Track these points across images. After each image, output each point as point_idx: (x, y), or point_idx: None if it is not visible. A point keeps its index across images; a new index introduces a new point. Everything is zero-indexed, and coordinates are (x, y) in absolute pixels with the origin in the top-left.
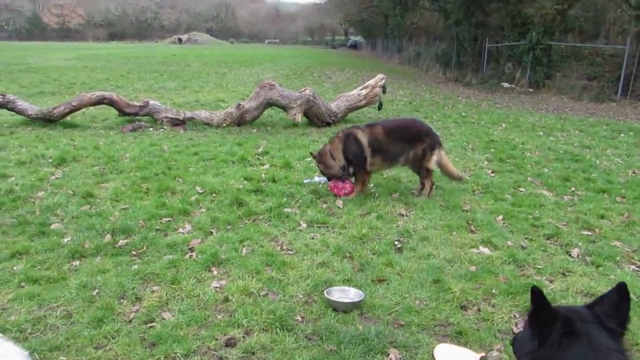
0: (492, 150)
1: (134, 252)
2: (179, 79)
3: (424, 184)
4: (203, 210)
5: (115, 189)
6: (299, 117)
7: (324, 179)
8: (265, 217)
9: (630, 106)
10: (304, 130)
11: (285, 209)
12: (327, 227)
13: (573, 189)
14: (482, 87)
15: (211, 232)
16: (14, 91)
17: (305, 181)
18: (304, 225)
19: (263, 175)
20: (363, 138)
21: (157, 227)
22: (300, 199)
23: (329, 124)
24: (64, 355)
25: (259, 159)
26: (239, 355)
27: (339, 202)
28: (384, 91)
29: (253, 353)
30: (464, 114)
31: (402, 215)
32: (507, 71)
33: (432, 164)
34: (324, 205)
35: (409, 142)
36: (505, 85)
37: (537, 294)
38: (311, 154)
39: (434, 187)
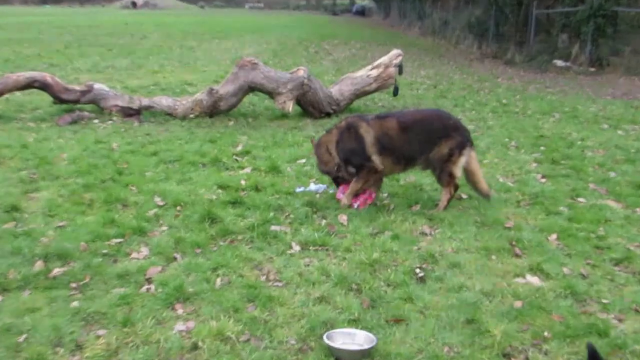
0: (542, 148)
1: (73, 285)
2: (133, 56)
3: (450, 192)
4: (164, 228)
5: (49, 201)
6: (290, 106)
7: (322, 186)
8: (245, 238)
9: None
10: (296, 123)
11: (272, 227)
12: (327, 250)
13: None
14: (528, 66)
15: (175, 258)
16: None
17: (298, 190)
18: (297, 247)
19: (243, 182)
20: (367, 133)
21: (104, 251)
22: (291, 213)
23: (328, 115)
24: None
25: (237, 160)
26: None
27: (343, 218)
28: (401, 72)
29: None
30: (505, 101)
31: (425, 234)
32: (561, 45)
33: (459, 169)
34: (323, 222)
35: (432, 139)
36: (559, 63)
37: (591, 353)
38: (311, 141)
39: (451, 198)
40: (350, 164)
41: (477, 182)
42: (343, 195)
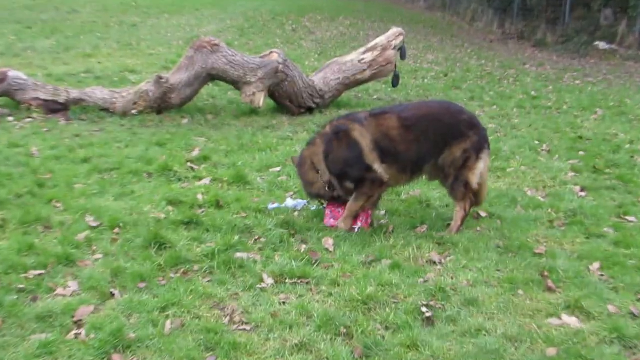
0: (582, 153)
1: None
2: (59, 35)
3: (465, 209)
4: (98, 256)
5: None
6: (261, 100)
7: (301, 202)
8: (203, 268)
9: None
10: (269, 121)
11: (238, 254)
12: (307, 283)
13: None
14: (563, 49)
15: (112, 294)
16: None
17: (270, 206)
18: (270, 280)
19: (200, 196)
20: (361, 136)
21: (20, 287)
22: (262, 236)
23: (310, 110)
24: None
25: (192, 169)
26: None
27: (328, 242)
28: (402, 56)
29: None
30: (534, 93)
31: (433, 263)
32: (605, 23)
33: (476, 176)
34: (303, 247)
35: (442, 139)
36: (602, 45)
37: None
38: (292, 160)
39: (466, 216)
40: (347, 179)
41: (481, 193)
42: (334, 220)
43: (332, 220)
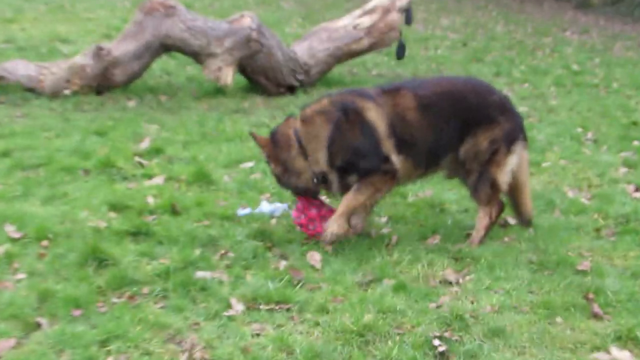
0: (636, 143)
1: None
2: None
3: (491, 215)
4: (21, 276)
5: None
6: (229, 76)
7: (280, 206)
8: (155, 291)
9: None
10: (239, 103)
11: (199, 273)
12: (288, 310)
13: None
14: (613, 11)
15: (39, 325)
16: None
17: (241, 212)
18: (239, 307)
19: (150, 200)
20: (378, 118)
21: None
22: (230, 250)
23: (291, 89)
24: None
25: (141, 165)
26: None
27: (315, 258)
28: (408, 20)
29: None
30: (576, 67)
31: (449, 283)
32: None
33: (506, 174)
34: (283, 264)
35: (466, 125)
36: None
37: None
38: (253, 136)
39: (493, 224)
40: (354, 173)
41: (521, 198)
42: (308, 219)
43: (302, 217)
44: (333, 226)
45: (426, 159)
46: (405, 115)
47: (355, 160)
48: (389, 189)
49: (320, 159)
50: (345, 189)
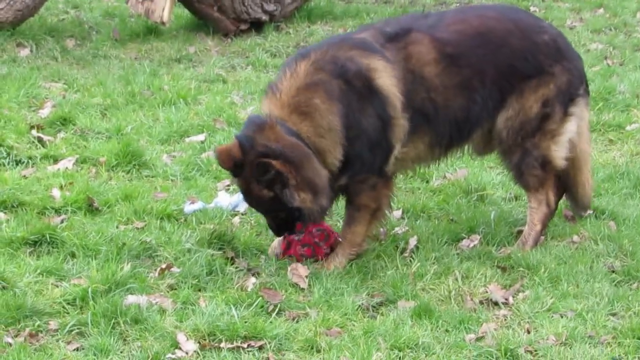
0: None
1: None
2: None
3: (548, 203)
4: None
5: None
6: (166, 9)
7: (242, 200)
8: (67, 326)
9: None
10: (181, 48)
11: (130, 299)
12: (261, 349)
13: None
14: None
15: None
16: None
17: (188, 208)
18: (190, 345)
19: (57, 192)
20: (392, 82)
21: None
22: (175, 263)
23: (258, 26)
24: None
25: (41, 142)
26: None
27: (299, 271)
28: None
29: None
30: None
31: (494, 304)
32: None
33: (562, 146)
34: (251, 282)
35: (507, 82)
36: None
37: None
38: (218, 153)
39: (550, 216)
40: (351, 170)
41: (579, 176)
42: (306, 247)
43: (299, 247)
44: (334, 263)
45: (449, 134)
46: (422, 73)
47: (361, 152)
48: (389, 199)
49: (336, 160)
50: (328, 199)
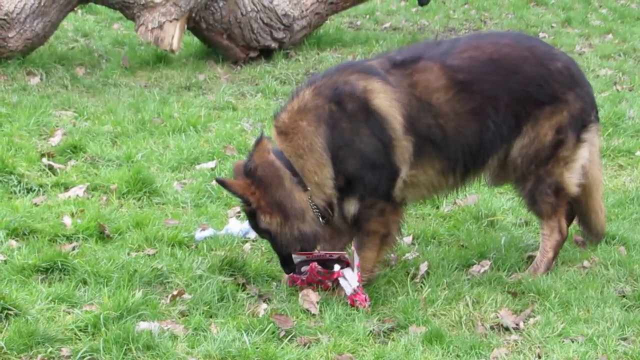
0: None
1: None
2: None
3: (560, 230)
4: None
5: None
6: (176, 37)
7: (249, 228)
8: (79, 353)
9: None
10: (191, 76)
11: (142, 325)
12: None
13: None
14: None
15: None
16: None
17: (199, 234)
18: None
19: (68, 220)
20: (390, 105)
21: None
22: (187, 289)
23: (267, 52)
24: None
25: (52, 169)
26: None
27: (310, 297)
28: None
29: None
30: None
31: (505, 329)
32: None
33: (575, 173)
34: (263, 309)
35: (521, 110)
36: None
37: None
38: (222, 183)
39: (562, 243)
40: (357, 193)
41: (590, 202)
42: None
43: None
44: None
45: (463, 163)
46: (430, 99)
47: (360, 173)
48: (398, 225)
49: (326, 182)
50: (341, 221)
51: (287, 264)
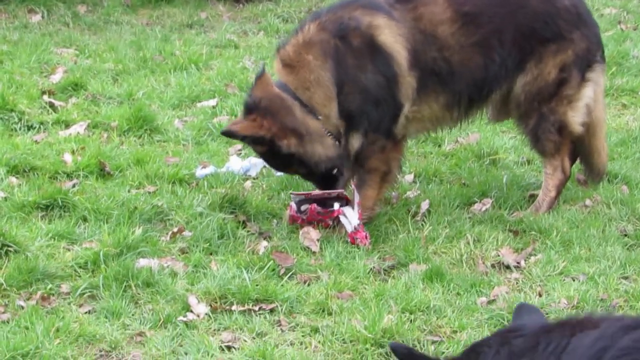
0: None
1: None
2: None
3: (563, 169)
4: None
5: None
6: None
7: (258, 163)
8: (79, 289)
9: None
10: (192, 14)
11: (142, 262)
12: (272, 312)
13: None
14: None
15: None
16: None
17: (200, 172)
18: (202, 308)
19: (69, 157)
20: (395, 40)
21: None
22: (187, 227)
23: None
24: None
25: (53, 107)
26: None
27: (311, 235)
28: None
29: None
30: None
31: (506, 267)
32: None
33: (579, 112)
34: (263, 246)
35: (525, 45)
36: None
37: None
38: (227, 134)
39: (565, 182)
40: (361, 128)
41: (594, 142)
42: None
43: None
44: (367, 213)
45: (467, 96)
46: (435, 32)
47: (364, 109)
48: (399, 162)
49: (332, 113)
50: (348, 157)
51: (327, 182)
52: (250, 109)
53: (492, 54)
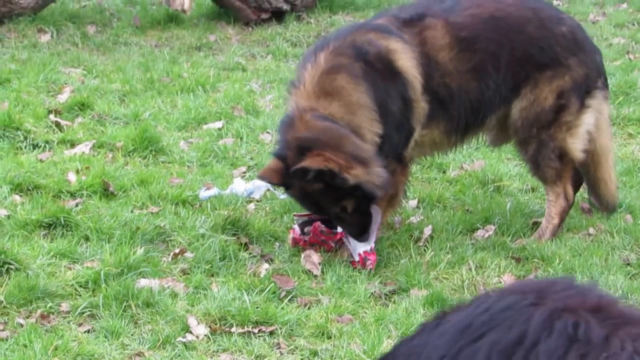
0: None
1: None
2: None
3: (566, 196)
4: None
5: None
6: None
7: (261, 187)
8: (79, 308)
9: None
10: (201, 37)
11: (143, 282)
12: (272, 334)
13: None
14: None
15: None
16: None
17: (203, 194)
18: (201, 329)
19: (73, 176)
20: (411, 63)
21: None
22: (189, 248)
23: (279, 15)
24: None
25: (59, 126)
26: None
27: (312, 259)
28: None
29: None
30: None
31: None
32: None
33: (579, 139)
34: (264, 268)
35: (521, 70)
36: None
37: None
38: (263, 176)
39: (568, 209)
40: (381, 154)
41: (600, 171)
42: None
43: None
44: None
45: (465, 119)
46: (437, 58)
47: (389, 132)
48: (404, 186)
49: (375, 134)
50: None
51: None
52: (305, 148)
53: (487, 80)
